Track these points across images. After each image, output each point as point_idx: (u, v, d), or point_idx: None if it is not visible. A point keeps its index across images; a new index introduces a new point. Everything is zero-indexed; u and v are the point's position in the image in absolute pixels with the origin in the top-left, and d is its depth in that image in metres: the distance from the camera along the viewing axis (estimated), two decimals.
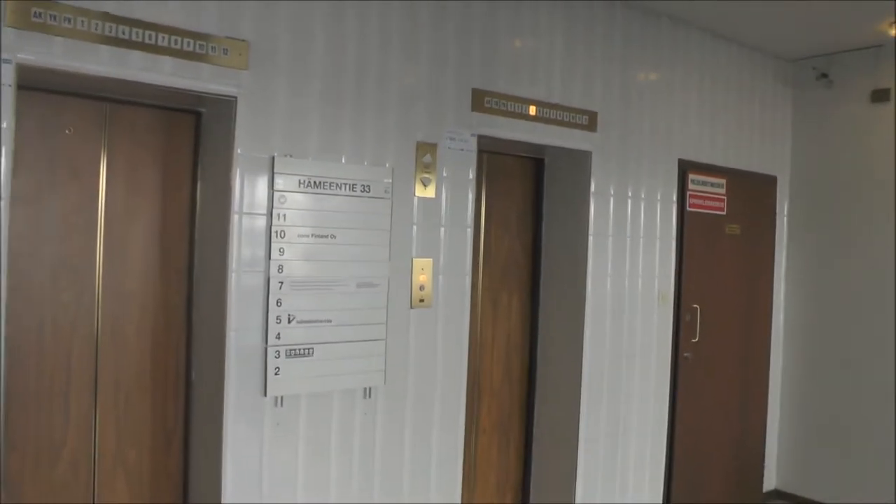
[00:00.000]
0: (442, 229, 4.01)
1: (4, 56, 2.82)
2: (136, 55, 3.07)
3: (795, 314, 6.13)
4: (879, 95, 5.54)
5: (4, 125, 2.83)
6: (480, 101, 4.13)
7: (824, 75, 5.82)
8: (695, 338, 5.41)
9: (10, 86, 2.84)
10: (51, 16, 2.88)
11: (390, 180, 3.79)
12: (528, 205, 4.97)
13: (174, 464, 3.66)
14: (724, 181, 5.61)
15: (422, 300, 3.94)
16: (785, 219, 6.19)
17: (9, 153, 2.84)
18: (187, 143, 3.63)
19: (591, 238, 4.66)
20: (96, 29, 2.97)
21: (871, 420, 5.55)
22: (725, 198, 5.64)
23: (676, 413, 5.33)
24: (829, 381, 5.86)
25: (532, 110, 4.36)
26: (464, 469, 4.25)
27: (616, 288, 4.85)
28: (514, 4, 4.28)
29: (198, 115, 3.62)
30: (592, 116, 4.66)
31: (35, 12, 2.85)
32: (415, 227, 3.91)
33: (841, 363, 5.77)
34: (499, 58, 4.24)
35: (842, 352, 5.78)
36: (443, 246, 4.02)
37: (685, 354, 5.37)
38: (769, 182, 6.05)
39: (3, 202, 2.82)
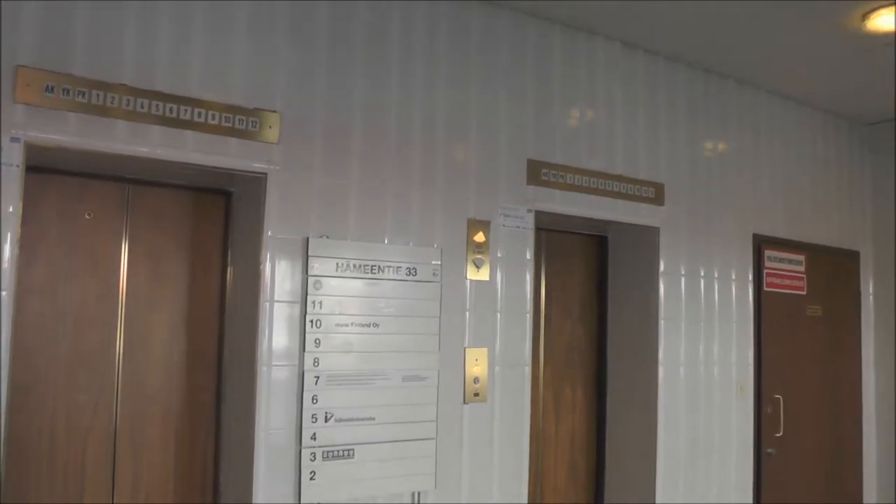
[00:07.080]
0: (498, 315, 3.67)
1: (14, 134, 2.60)
2: (157, 130, 2.84)
3: (889, 403, 5.56)
4: None
5: (11, 209, 2.60)
6: (536, 173, 3.82)
7: None
8: (779, 432, 4.88)
9: (17, 166, 2.61)
10: (63, 90, 2.67)
11: (439, 262, 3.48)
12: (592, 286, 4.62)
13: None
14: (802, 257, 5.16)
15: (476, 394, 3.57)
16: (871, 298, 5.68)
17: (15, 239, 2.61)
18: (216, 226, 3.39)
19: (661, 322, 4.25)
20: (112, 102, 2.74)
21: None
22: (805, 276, 5.18)
23: None
24: None
25: (594, 182, 4.03)
26: None
27: (690, 378, 4.40)
28: (568, 69, 4.02)
29: (228, 195, 3.38)
30: (659, 188, 4.30)
31: (47, 86, 2.64)
32: (467, 314, 3.58)
33: None
34: (555, 127, 3.95)
35: None
36: (499, 334, 3.68)
37: (769, 450, 4.85)
38: (852, 257, 5.57)
39: (3, 292, 2.55)
